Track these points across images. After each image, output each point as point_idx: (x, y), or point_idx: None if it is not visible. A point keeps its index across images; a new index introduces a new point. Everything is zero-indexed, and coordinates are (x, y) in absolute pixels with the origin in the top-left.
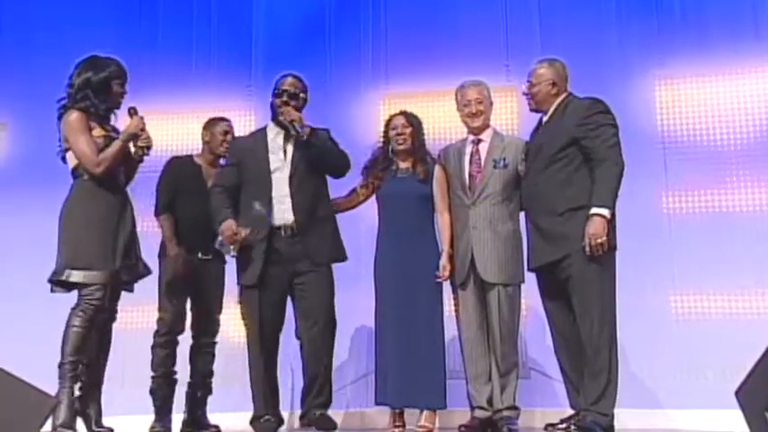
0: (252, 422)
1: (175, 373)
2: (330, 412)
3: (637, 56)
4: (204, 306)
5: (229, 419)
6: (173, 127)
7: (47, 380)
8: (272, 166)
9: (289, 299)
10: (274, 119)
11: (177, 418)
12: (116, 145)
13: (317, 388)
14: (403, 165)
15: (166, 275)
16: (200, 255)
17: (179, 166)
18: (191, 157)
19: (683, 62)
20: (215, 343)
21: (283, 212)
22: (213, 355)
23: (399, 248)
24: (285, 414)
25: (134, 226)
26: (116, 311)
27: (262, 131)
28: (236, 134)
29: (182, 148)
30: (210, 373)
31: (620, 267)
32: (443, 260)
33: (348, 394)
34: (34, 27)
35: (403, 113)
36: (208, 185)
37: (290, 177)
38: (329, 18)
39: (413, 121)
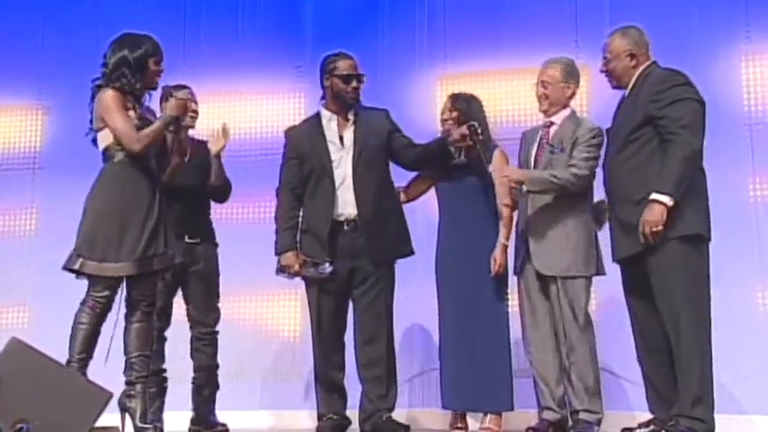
0: (318, 421)
1: (165, 371)
2: None
3: (721, 30)
4: (198, 294)
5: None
6: (216, 109)
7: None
8: (333, 157)
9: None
10: (338, 105)
11: (186, 415)
12: (157, 124)
13: (383, 390)
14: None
15: None
16: (186, 239)
17: None
18: None
19: None
20: (215, 332)
21: (346, 205)
22: (215, 347)
23: (459, 241)
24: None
25: (164, 213)
26: (153, 299)
27: (315, 118)
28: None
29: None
30: (215, 367)
31: None
32: (496, 252)
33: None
34: (78, 10)
35: (449, 97)
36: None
37: (354, 167)
38: None
39: (460, 105)
